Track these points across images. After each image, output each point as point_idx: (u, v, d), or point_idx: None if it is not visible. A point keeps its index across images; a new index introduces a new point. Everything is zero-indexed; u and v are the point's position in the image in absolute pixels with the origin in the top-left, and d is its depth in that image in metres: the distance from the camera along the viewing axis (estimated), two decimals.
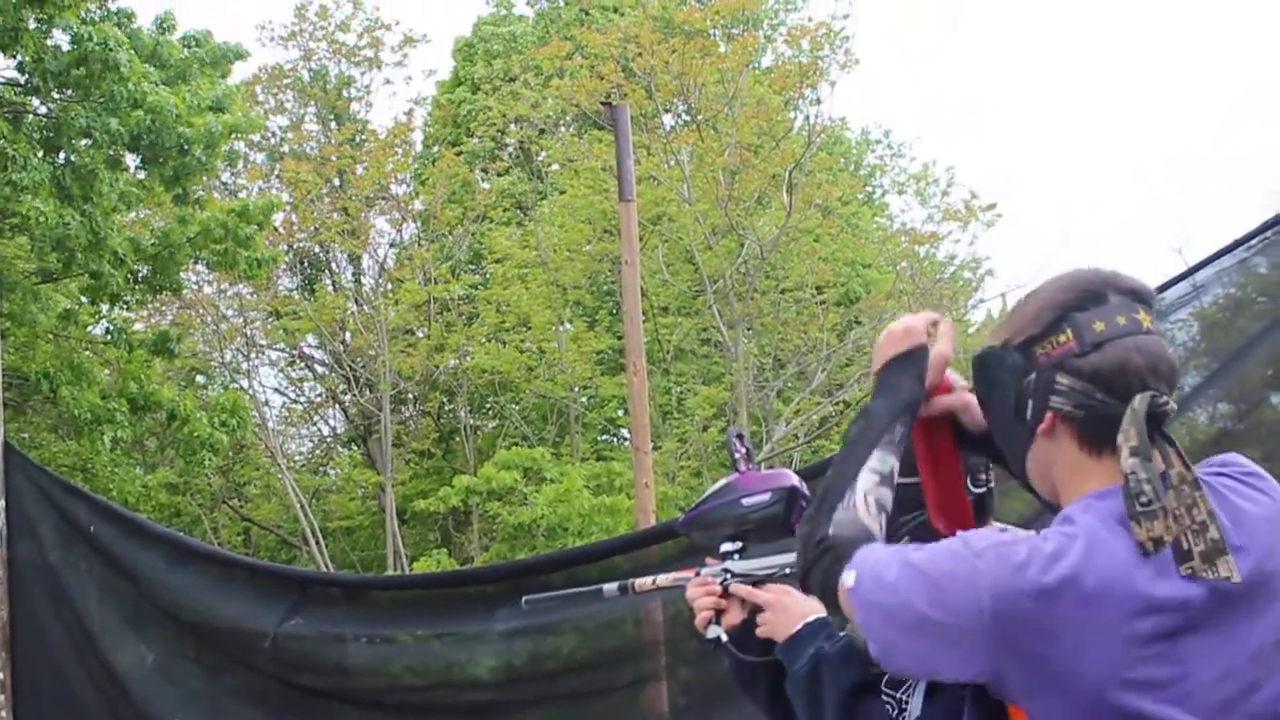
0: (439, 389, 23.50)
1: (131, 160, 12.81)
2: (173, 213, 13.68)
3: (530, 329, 21.65)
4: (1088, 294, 1.97)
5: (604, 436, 24.20)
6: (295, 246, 23.61)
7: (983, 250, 42.79)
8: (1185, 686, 1.82)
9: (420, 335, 22.45)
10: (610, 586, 2.86)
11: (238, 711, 6.08)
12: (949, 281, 23.96)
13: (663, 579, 2.82)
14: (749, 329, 20.97)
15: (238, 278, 16.26)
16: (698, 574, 2.71)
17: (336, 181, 23.11)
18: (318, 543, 20.79)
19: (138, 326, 17.63)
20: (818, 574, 2.08)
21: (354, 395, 23.49)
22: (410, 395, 23.68)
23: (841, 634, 2.52)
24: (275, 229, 22.02)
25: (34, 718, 6.80)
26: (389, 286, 23.06)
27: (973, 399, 2.22)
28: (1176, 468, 1.87)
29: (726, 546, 2.68)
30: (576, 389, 21.88)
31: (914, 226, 25.03)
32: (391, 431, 21.88)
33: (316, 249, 24.04)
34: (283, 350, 25.16)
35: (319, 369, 25.61)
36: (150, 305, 20.54)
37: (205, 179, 14.92)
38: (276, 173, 23.18)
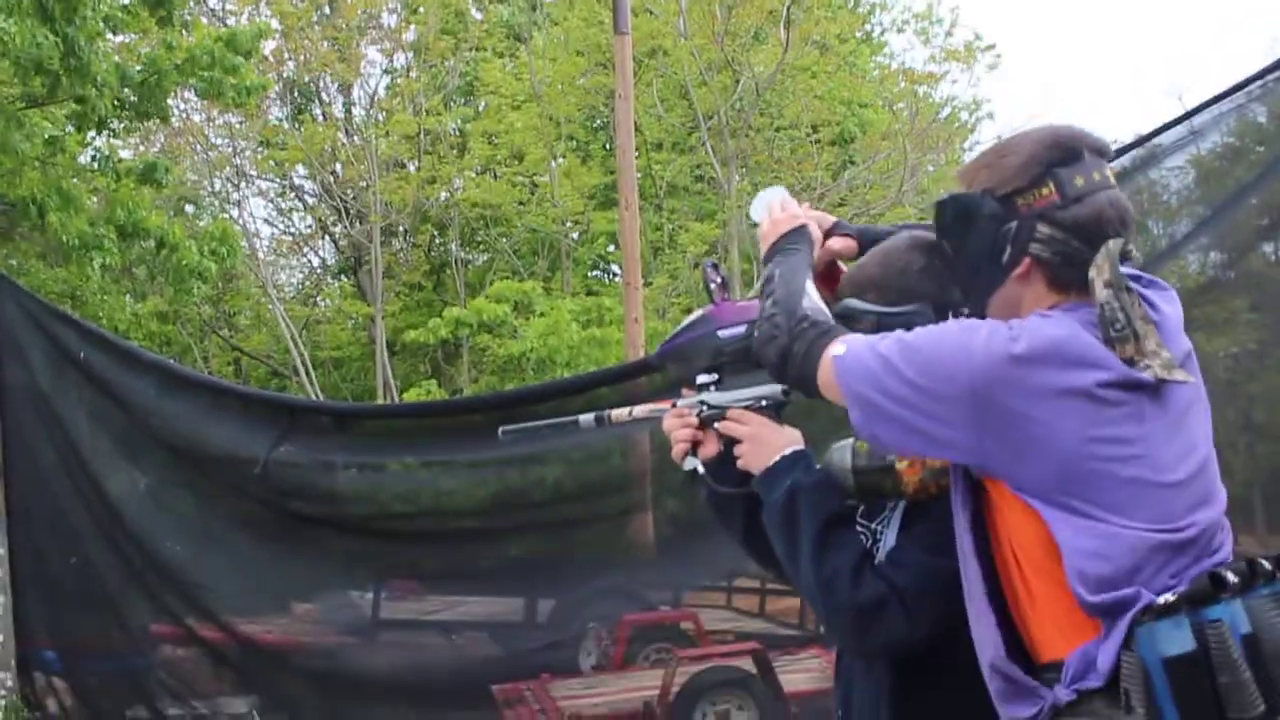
0: (430, 221, 23.38)
1: None
2: (159, 39, 13.40)
3: (522, 162, 21.46)
4: (1068, 151, 2.16)
5: (595, 272, 24.17)
6: (285, 76, 23.25)
7: (983, 93, 42.24)
8: (1145, 445, 2.08)
9: (411, 168, 22.25)
10: (586, 417, 2.85)
11: (229, 536, 6.18)
12: (945, 123, 23.71)
13: (639, 410, 2.81)
14: (743, 167, 20.82)
15: (226, 106, 15.98)
16: (674, 405, 2.70)
17: (326, 10, 22.67)
18: (308, 373, 20.89)
19: (125, 155, 17.45)
20: (800, 343, 2.27)
21: (344, 226, 23.37)
22: (401, 227, 23.56)
23: (819, 465, 2.53)
24: (265, 57, 21.67)
25: (27, 539, 6.90)
26: (380, 117, 22.76)
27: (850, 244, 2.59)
28: (1138, 305, 2.10)
29: (702, 378, 2.65)
30: (568, 223, 21.78)
31: (914, 67, 24.70)
32: (382, 263, 21.82)
33: (306, 78, 23.69)
34: (273, 180, 24.96)
35: (309, 200, 25.43)
36: (138, 133, 20.31)
37: (190, 3, 14.60)
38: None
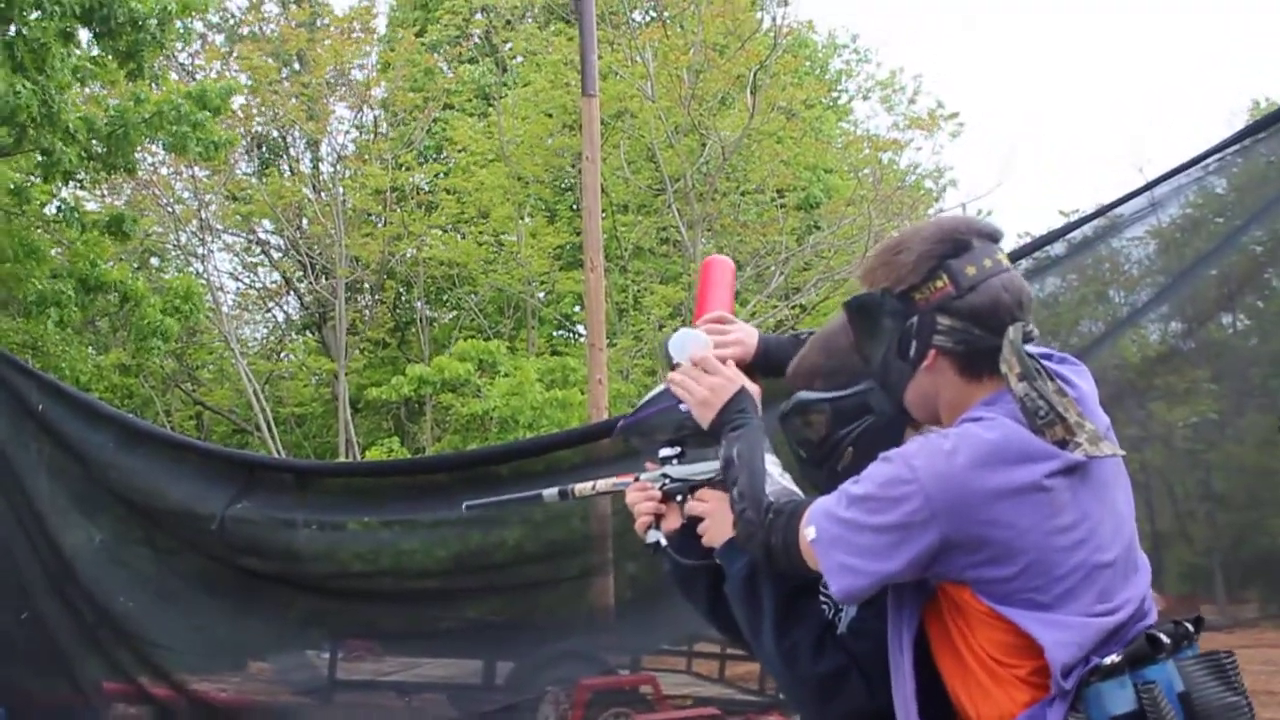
0: (396, 278, 23.37)
1: (85, 35, 12.56)
2: (128, 92, 13.43)
3: (489, 220, 21.49)
4: (956, 242, 2.23)
5: (560, 332, 24.17)
6: (253, 130, 23.26)
7: (946, 160, 42.70)
8: (1088, 527, 2.15)
9: (379, 224, 22.26)
10: (550, 492, 2.86)
11: (185, 593, 6.10)
12: (910, 189, 23.92)
13: (602, 484, 2.83)
14: (708, 230, 20.91)
15: (192, 160, 15.98)
16: (637, 479, 2.72)
17: (296, 65, 22.74)
18: (270, 429, 20.75)
19: (91, 206, 17.40)
20: (777, 536, 2.30)
21: (310, 282, 23.32)
22: (366, 284, 23.53)
23: None
24: (233, 112, 21.69)
25: None
26: (347, 173, 22.77)
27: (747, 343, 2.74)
28: (1051, 382, 2.14)
29: (665, 451, 2.69)
30: (534, 283, 21.81)
31: (878, 133, 24.94)
32: (347, 319, 21.75)
33: (275, 133, 23.71)
34: (238, 235, 24.89)
35: (275, 254, 25.37)
36: (105, 185, 20.25)
37: (160, 57, 14.62)
38: (235, 55, 22.76)
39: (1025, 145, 51.86)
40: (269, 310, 26.86)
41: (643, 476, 2.71)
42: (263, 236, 24.95)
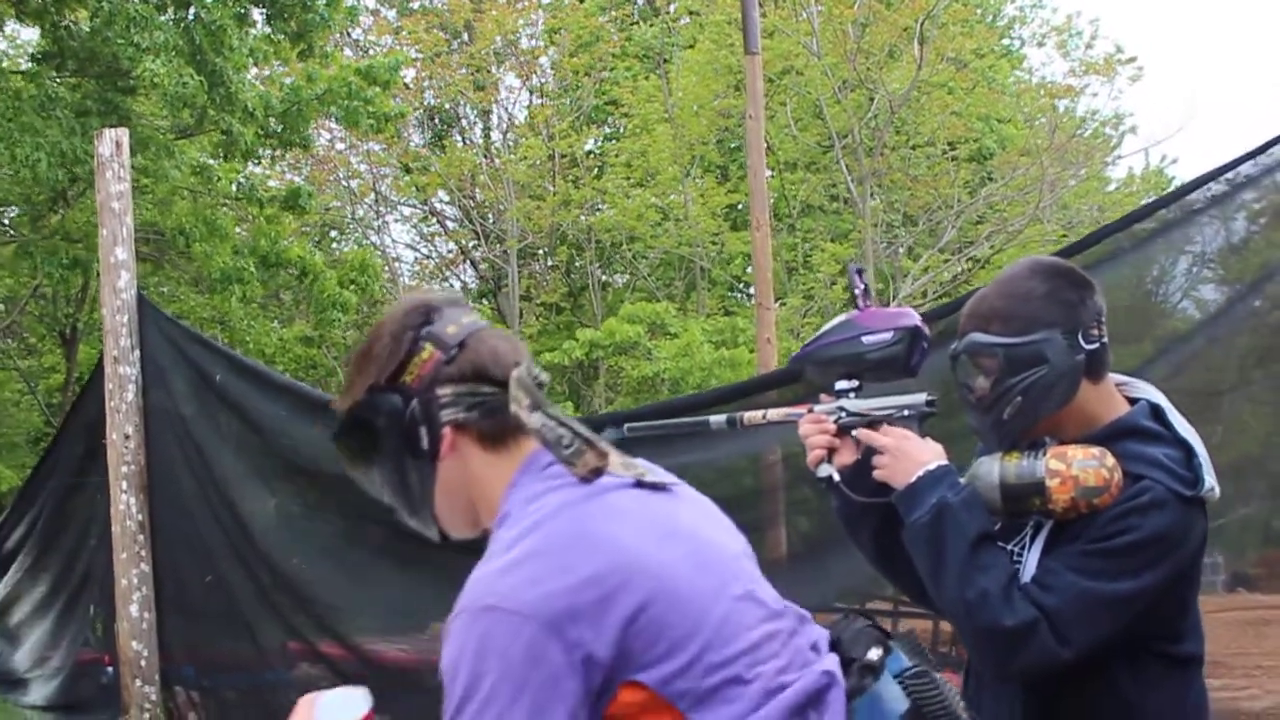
0: (568, 243, 23.60)
1: (259, 16, 12.94)
2: (301, 71, 13.81)
3: (656, 182, 21.55)
4: (423, 310, 1.97)
5: (732, 292, 24.16)
6: (425, 103, 23.68)
7: (1126, 106, 41.31)
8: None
9: (549, 189, 22.49)
10: (719, 419, 2.79)
11: (352, 557, 6.26)
12: (1088, 138, 23.24)
13: (773, 413, 2.74)
14: (878, 185, 20.65)
15: (364, 134, 16.36)
16: (811, 410, 2.63)
17: (465, 37, 23.05)
18: None
19: (273, 184, 17.92)
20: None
21: (484, 250, 23.68)
22: (540, 250, 23.80)
23: (964, 482, 2.47)
24: (405, 86, 22.11)
25: (169, 557, 7.11)
26: (516, 141, 23.05)
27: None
28: (562, 429, 1.88)
29: (842, 384, 2.59)
30: (701, 244, 21.81)
31: (1054, 80, 24.26)
32: (520, 286, 22.04)
33: (447, 105, 24.09)
34: (415, 206, 25.40)
35: (450, 224, 25.83)
36: (284, 162, 20.86)
37: (329, 34, 14.97)
38: (402, 30, 23.17)
39: (1208, 89, 49.87)
40: (446, 279, 27.36)
41: (817, 408, 2.62)
42: (438, 207, 25.43)
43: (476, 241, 24.02)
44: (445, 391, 1.90)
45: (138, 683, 7.19)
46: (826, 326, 2.64)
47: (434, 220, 25.96)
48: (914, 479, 2.47)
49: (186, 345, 7.12)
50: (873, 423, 2.57)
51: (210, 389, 6.86)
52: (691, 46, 22.28)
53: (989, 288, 2.53)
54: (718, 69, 20.85)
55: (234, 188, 14.25)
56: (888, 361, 2.53)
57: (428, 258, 26.81)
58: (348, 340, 23.44)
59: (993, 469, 2.44)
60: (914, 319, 2.56)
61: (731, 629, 1.76)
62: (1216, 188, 4.75)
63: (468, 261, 25.97)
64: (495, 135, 24.60)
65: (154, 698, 7.21)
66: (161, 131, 13.07)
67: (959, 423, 2.75)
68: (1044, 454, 2.40)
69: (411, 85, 22.63)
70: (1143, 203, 6.40)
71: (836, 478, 2.59)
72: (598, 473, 1.83)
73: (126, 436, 7.23)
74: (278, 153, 15.39)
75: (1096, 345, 2.45)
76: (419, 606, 6.48)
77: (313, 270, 13.48)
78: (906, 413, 2.54)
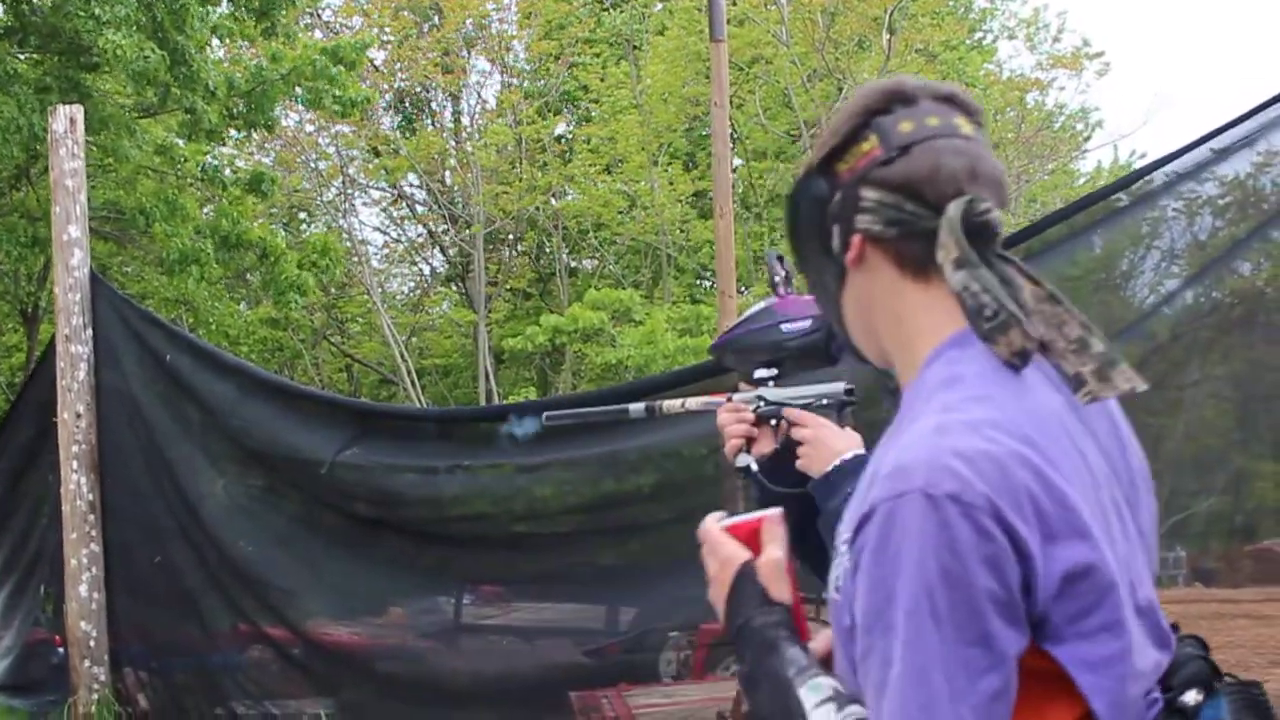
0: (537, 229, 23.55)
1: None
2: (266, 50, 13.71)
3: (623, 168, 21.53)
4: (895, 96, 1.63)
5: (698, 281, 24.17)
6: (396, 86, 23.58)
7: (1093, 100, 41.48)
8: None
9: (517, 175, 22.45)
10: (637, 407, 2.77)
11: (297, 537, 6.25)
12: (1055, 132, 23.31)
13: (692, 402, 2.71)
14: None
15: (331, 117, 16.27)
16: (729, 399, 2.60)
17: (436, 20, 22.95)
18: (413, 382, 21.12)
19: (240, 164, 17.82)
20: None
21: (453, 235, 23.62)
22: (508, 235, 23.74)
23: None
24: (376, 68, 22.01)
25: (119, 536, 7.08)
26: (484, 126, 22.98)
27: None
28: (1028, 287, 1.56)
29: (761, 373, 2.56)
30: (667, 232, 21.81)
31: (1022, 74, 24.33)
32: (489, 271, 21.99)
33: (417, 88, 23.99)
34: (384, 190, 25.31)
35: (419, 208, 25.74)
36: (253, 144, 20.74)
37: (301, 14, 14.89)
38: (370, 9, 23.03)
39: (1175, 83, 50.12)
40: (415, 264, 27.30)
41: (736, 397, 2.59)
42: (407, 191, 25.34)
43: (446, 226, 23.96)
44: (869, 195, 1.60)
45: (86, 663, 7.15)
46: (746, 314, 2.61)
47: (403, 204, 25.88)
48: (830, 468, 2.44)
49: (139, 324, 7.08)
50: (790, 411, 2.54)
51: (160, 368, 6.83)
52: (662, 33, 22.25)
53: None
54: (687, 56, 20.83)
55: (199, 169, 14.16)
56: (807, 350, 2.51)
57: (397, 241, 26.73)
58: (314, 323, 23.38)
59: None
60: None
61: None
62: (1182, 184, 4.77)
63: (436, 246, 25.90)
64: (465, 120, 24.51)
65: (103, 678, 7.16)
66: (124, 110, 12.96)
67: (881, 412, 2.73)
68: None
69: (383, 68, 22.54)
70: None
71: (754, 467, 2.55)
72: (1023, 356, 1.51)
73: (78, 415, 7.18)
74: (243, 134, 15.28)
75: None
76: (374, 590, 6.48)
77: (273, 252, 13.39)
78: (825, 401, 2.52)
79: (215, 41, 14.00)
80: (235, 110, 13.31)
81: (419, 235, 26.44)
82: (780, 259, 2.61)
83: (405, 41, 21.89)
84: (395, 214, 26.32)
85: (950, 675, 1.37)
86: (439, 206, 23.55)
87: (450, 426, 6.77)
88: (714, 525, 1.82)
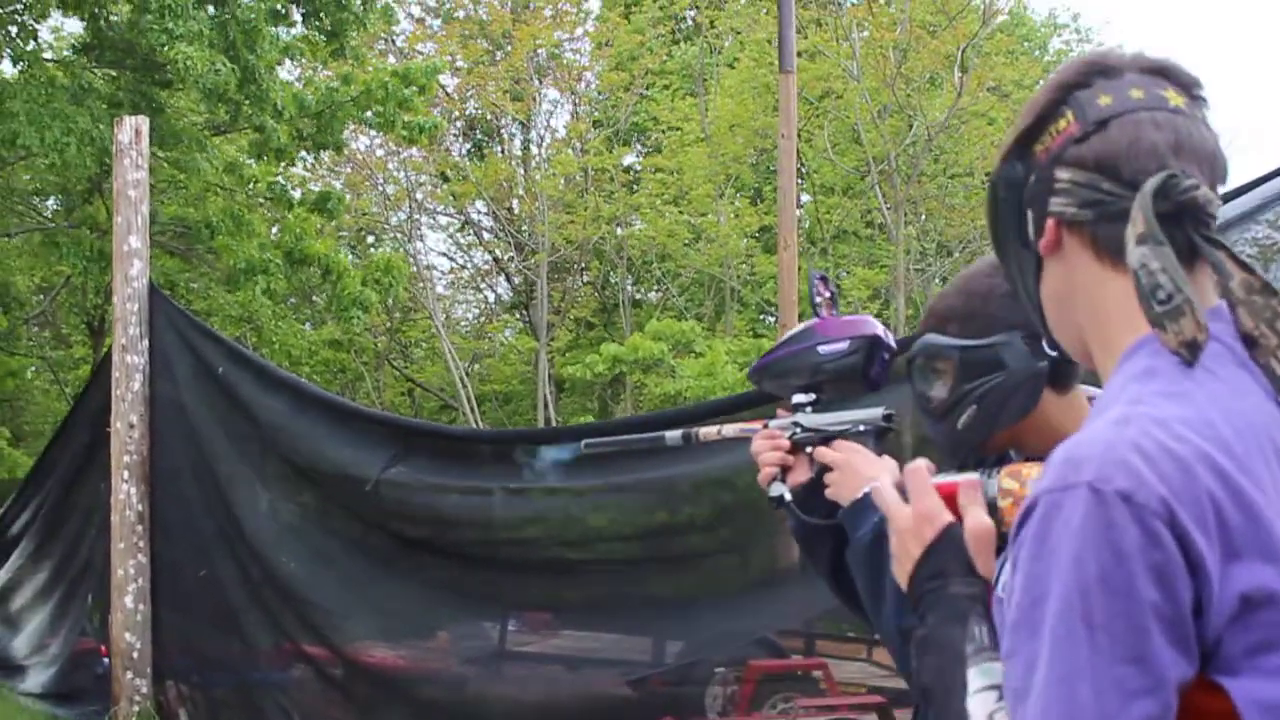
0: (602, 259, 23.55)
1: (297, 16, 12.97)
2: (338, 71, 13.84)
3: (689, 200, 21.49)
4: (1095, 69, 1.49)
5: (761, 315, 24.06)
6: (467, 113, 23.72)
7: None
8: None
9: (583, 204, 22.49)
10: (674, 434, 2.66)
11: (338, 555, 6.19)
12: None
13: (728, 429, 2.59)
14: (913, 213, 20.49)
15: (400, 140, 16.34)
16: (765, 426, 2.47)
17: (508, 48, 23.09)
18: (473, 408, 21.15)
19: (314, 187, 17.97)
20: None
21: (518, 262, 23.67)
22: (574, 264, 23.76)
23: None
24: (448, 95, 22.15)
25: (166, 548, 7.08)
26: (552, 155, 23.05)
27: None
28: (1238, 275, 1.39)
29: (799, 398, 2.44)
30: (733, 265, 21.72)
31: None
32: (550, 300, 22.00)
33: (488, 115, 24.11)
34: (452, 216, 25.42)
35: (486, 235, 25.83)
36: (325, 166, 20.93)
37: (374, 38, 14.98)
38: (443, 35, 23.21)
39: (1250, 122, 49.47)
40: (480, 290, 27.38)
41: (772, 424, 2.45)
42: (474, 217, 25.45)
43: (512, 253, 24.01)
44: (1063, 176, 1.47)
45: (129, 675, 7.14)
46: (785, 335, 2.50)
47: (470, 230, 25.98)
48: (859, 495, 2.27)
49: (194, 336, 7.09)
50: (827, 439, 2.39)
51: (212, 380, 6.82)
52: (732, 65, 22.24)
53: (950, 284, 2.31)
54: (756, 89, 20.78)
55: (268, 188, 14.26)
56: (845, 372, 2.38)
57: (463, 267, 26.83)
58: (377, 346, 23.49)
59: None
60: (873, 327, 2.40)
61: None
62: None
63: (502, 273, 25.96)
64: (534, 149, 24.61)
65: (145, 690, 7.15)
66: (196, 126, 13.11)
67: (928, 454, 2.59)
68: (999, 471, 2.23)
69: (455, 94, 22.68)
70: None
71: (788, 497, 2.41)
72: (1192, 349, 1.36)
73: (131, 425, 7.19)
74: (313, 156, 15.42)
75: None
76: (417, 612, 6.39)
77: (336, 269, 13.47)
78: (862, 428, 2.38)
79: (289, 62, 14.12)
80: (305, 132, 13.41)
81: (485, 262, 26.54)
82: (823, 279, 2.47)
83: (475, 69, 22.00)
84: (462, 240, 26.45)
85: (1099, 691, 1.22)
86: (505, 234, 23.62)
87: (502, 448, 6.71)
88: (925, 468, 1.74)
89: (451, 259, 26.80)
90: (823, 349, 2.38)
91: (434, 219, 25.16)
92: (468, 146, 24.96)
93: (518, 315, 26.08)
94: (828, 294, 2.45)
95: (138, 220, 7.34)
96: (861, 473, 2.30)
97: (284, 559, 6.23)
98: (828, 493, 2.35)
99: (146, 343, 7.21)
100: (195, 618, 6.91)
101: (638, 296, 24.74)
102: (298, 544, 6.35)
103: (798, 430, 2.43)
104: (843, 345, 2.38)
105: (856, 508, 2.28)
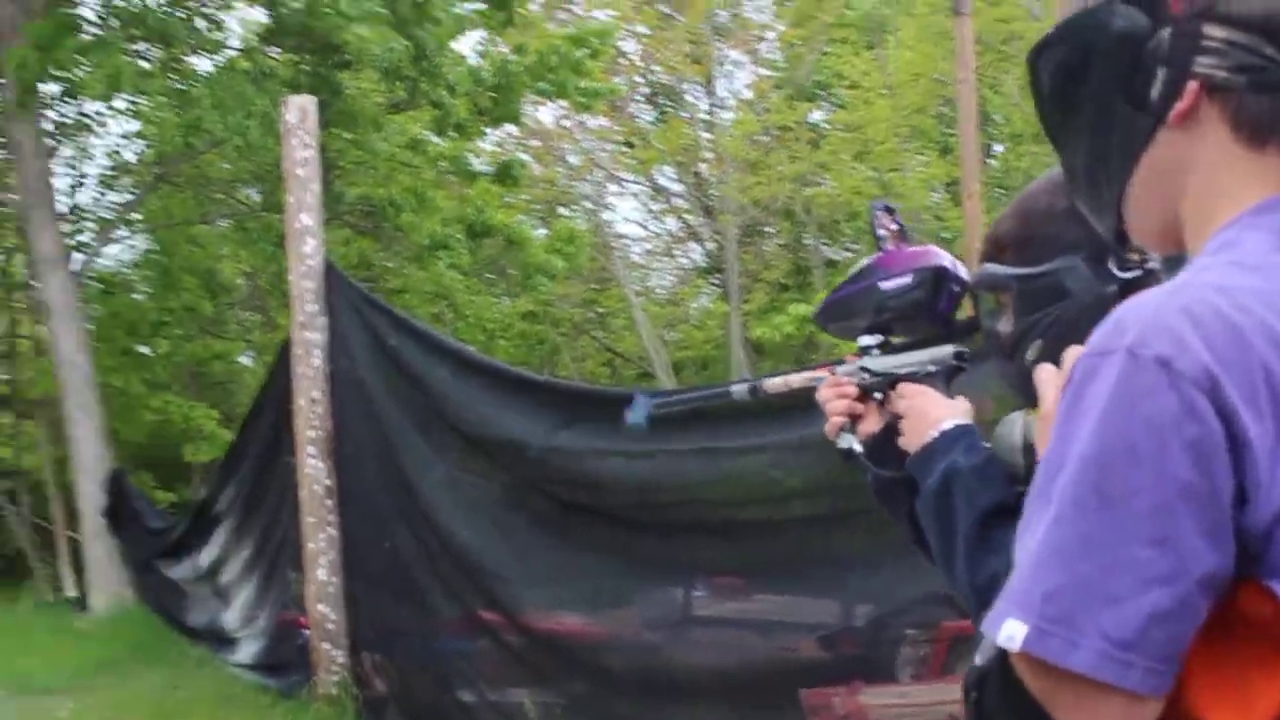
0: (792, 219, 23.27)
1: None
2: (510, 43, 13.91)
3: (873, 156, 21.05)
4: None
5: None
6: (649, 78, 23.66)
7: None
8: None
9: (768, 164, 22.23)
10: (740, 387, 2.47)
11: (507, 521, 6.16)
12: None
13: (795, 379, 2.38)
14: None
15: (576, 107, 16.33)
16: (832, 372, 2.26)
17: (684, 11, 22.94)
18: (667, 373, 21.15)
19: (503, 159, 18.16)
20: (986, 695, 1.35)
21: (709, 227, 23.55)
22: (764, 226, 23.53)
23: (985, 444, 2.03)
24: (631, 62, 22.11)
25: (354, 521, 7.20)
26: (736, 117, 22.85)
27: None
28: None
29: (865, 340, 2.22)
30: (921, 219, 21.19)
31: None
32: (743, 263, 21.82)
33: (669, 80, 24.00)
34: (643, 183, 25.42)
35: (677, 201, 25.76)
36: (511, 140, 21.11)
37: (551, 7, 15.00)
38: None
39: None
40: (674, 257, 27.33)
41: (839, 370, 2.24)
42: (663, 184, 25.39)
43: (703, 218, 23.90)
44: (1214, 33, 1.24)
45: (326, 646, 7.28)
46: (851, 270, 2.25)
47: (661, 197, 25.93)
48: (926, 441, 2.05)
49: (367, 311, 7.16)
50: (896, 382, 2.17)
51: (384, 352, 6.89)
52: (911, 14, 21.69)
53: (1008, 207, 2.08)
54: (934, 34, 20.20)
55: (452, 163, 14.44)
56: (909, 309, 2.15)
57: (657, 235, 26.81)
58: (575, 317, 23.64)
59: (1014, 428, 1.94)
60: (939, 257, 2.16)
61: None
62: None
63: (694, 238, 25.86)
64: (717, 111, 24.42)
65: (341, 661, 7.28)
66: (376, 105, 13.33)
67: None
68: None
69: (638, 60, 22.63)
70: None
71: (858, 449, 2.20)
72: None
73: (313, 401, 7.32)
74: (493, 129, 15.55)
75: (1137, 273, 1.95)
76: (595, 579, 6.31)
77: (518, 239, 13.57)
78: (931, 369, 2.15)
79: (469, 36, 14.26)
80: (482, 107, 13.51)
81: (679, 229, 26.47)
82: (888, 209, 2.23)
83: (654, 34, 21.91)
84: (655, 208, 26.42)
85: (1107, 570, 1.06)
86: (694, 199, 23.52)
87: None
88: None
89: (645, 227, 26.84)
90: (884, 284, 2.16)
91: (622, 187, 25.19)
92: (654, 113, 24.89)
93: (710, 280, 25.94)
94: (894, 226, 2.21)
95: (308, 198, 7.44)
96: (930, 416, 2.07)
97: (459, 528, 6.25)
98: (899, 441, 2.12)
99: (325, 319, 7.32)
100: (383, 589, 7.00)
101: (832, 256, 24.35)
102: (470, 513, 6.35)
103: (865, 375, 2.21)
104: (906, 279, 2.15)
105: (923, 455, 2.04)
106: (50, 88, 13.62)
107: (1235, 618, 1.08)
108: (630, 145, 23.51)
